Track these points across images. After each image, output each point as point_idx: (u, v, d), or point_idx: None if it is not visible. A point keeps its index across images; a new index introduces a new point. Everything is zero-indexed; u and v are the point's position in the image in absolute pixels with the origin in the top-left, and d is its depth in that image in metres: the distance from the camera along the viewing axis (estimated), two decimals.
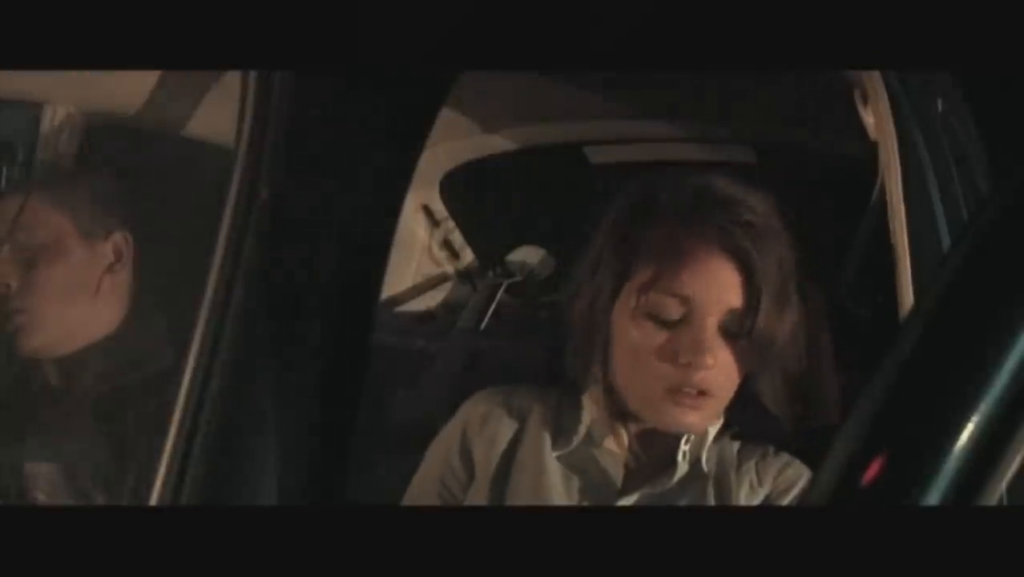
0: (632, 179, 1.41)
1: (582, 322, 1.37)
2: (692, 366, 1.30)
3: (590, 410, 1.40)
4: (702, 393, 1.31)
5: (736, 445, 1.41)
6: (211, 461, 0.90)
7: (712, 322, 1.31)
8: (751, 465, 1.39)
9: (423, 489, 1.45)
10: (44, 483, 1.47)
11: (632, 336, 1.33)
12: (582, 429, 1.40)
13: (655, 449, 1.38)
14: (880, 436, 0.69)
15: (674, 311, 1.31)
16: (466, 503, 1.42)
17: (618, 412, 1.37)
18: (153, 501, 0.90)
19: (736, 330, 1.31)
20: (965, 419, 0.67)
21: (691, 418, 1.33)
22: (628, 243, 1.35)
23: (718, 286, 1.31)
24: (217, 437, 0.91)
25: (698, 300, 1.30)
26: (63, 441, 1.51)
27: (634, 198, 1.38)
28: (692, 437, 1.37)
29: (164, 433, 0.91)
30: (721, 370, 1.32)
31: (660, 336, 1.31)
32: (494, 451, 1.41)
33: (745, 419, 1.39)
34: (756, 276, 1.30)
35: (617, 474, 1.39)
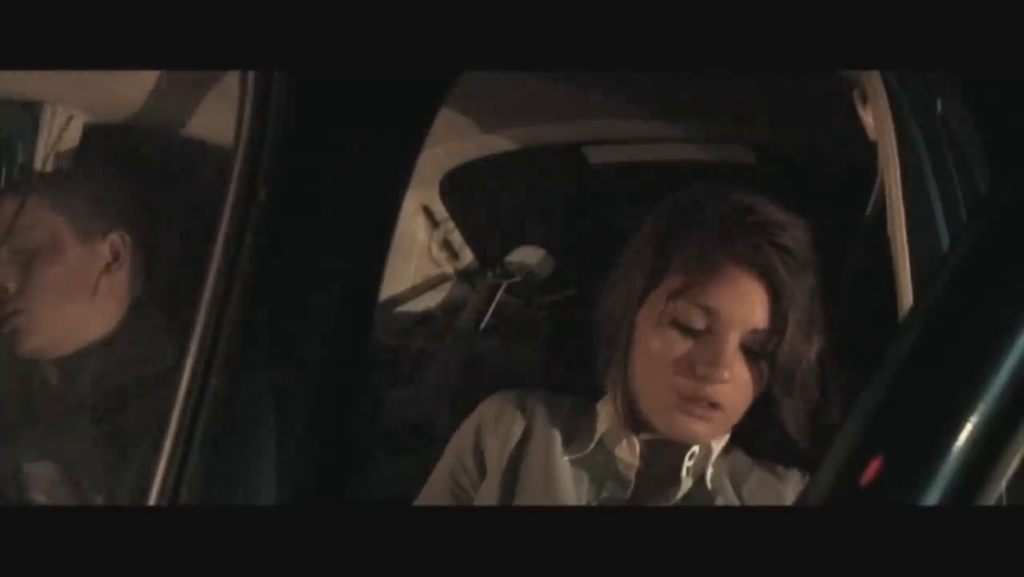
0: (680, 186, 1.42)
1: (609, 321, 1.39)
2: (708, 378, 1.31)
3: (605, 417, 1.41)
4: (713, 406, 1.32)
5: (745, 462, 1.40)
6: (210, 461, 0.90)
7: (734, 337, 1.32)
8: (761, 483, 1.38)
9: (436, 486, 1.46)
10: (43, 483, 1.47)
11: (654, 341, 1.34)
12: (596, 436, 1.40)
13: (664, 461, 1.38)
14: (879, 436, 0.69)
15: (698, 321, 1.32)
16: (477, 500, 1.42)
17: (631, 418, 1.38)
18: (152, 501, 0.90)
19: (757, 349, 1.33)
20: (964, 419, 0.67)
21: (699, 428, 1.33)
22: (664, 249, 1.36)
23: (744, 303, 1.32)
24: (216, 437, 0.91)
25: (723, 313, 1.32)
26: (62, 441, 1.51)
27: (677, 206, 1.39)
28: (696, 453, 1.37)
29: (163, 433, 0.91)
30: (736, 386, 1.33)
31: (681, 344, 1.33)
32: (506, 448, 1.42)
33: (762, 440, 1.39)
34: (785, 300, 1.31)
35: (628, 483, 1.39)
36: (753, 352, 1.33)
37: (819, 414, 1.36)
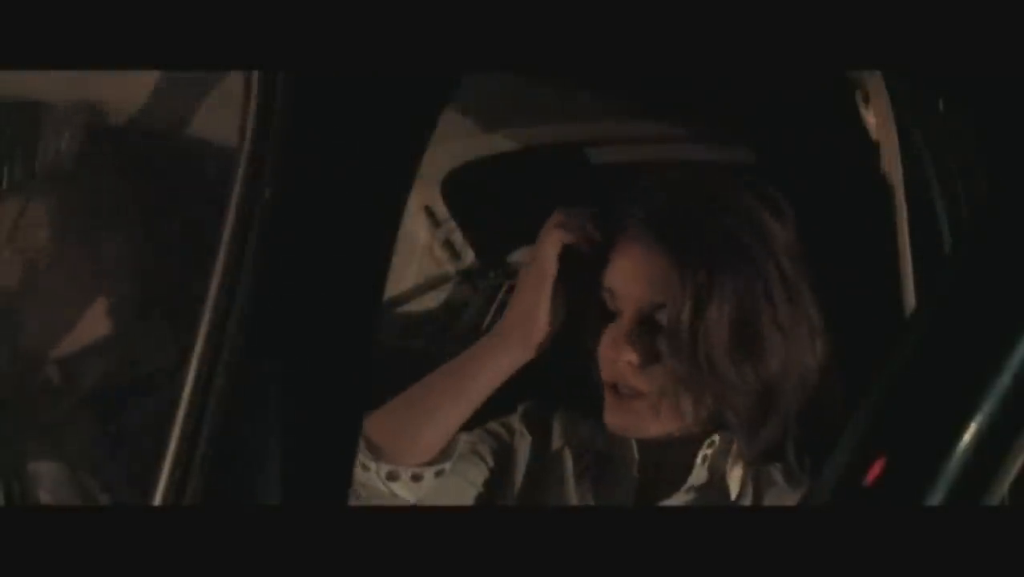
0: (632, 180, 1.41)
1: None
2: (618, 362, 1.27)
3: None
4: (639, 393, 1.28)
5: (779, 478, 1.33)
6: (214, 460, 0.90)
7: (634, 316, 1.27)
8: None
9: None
10: (48, 482, 1.47)
11: (588, 332, 1.33)
12: (599, 440, 1.39)
13: (672, 453, 1.34)
14: (883, 436, 0.70)
15: (609, 304, 1.30)
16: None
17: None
18: (157, 500, 0.90)
19: (659, 325, 1.27)
20: (967, 419, 0.67)
21: (624, 418, 1.30)
22: (603, 240, 1.34)
23: (635, 276, 1.28)
24: (220, 436, 0.91)
25: (621, 293, 1.28)
26: (66, 441, 1.52)
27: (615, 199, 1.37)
28: (716, 442, 1.33)
29: (167, 432, 0.91)
30: (655, 369, 1.27)
31: (601, 331, 1.31)
32: (517, 466, 1.41)
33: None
34: (672, 268, 1.26)
35: (632, 481, 1.36)
36: (657, 328, 1.27)
37: (736, 392, 1.27)
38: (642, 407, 1.30)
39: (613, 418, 1.31)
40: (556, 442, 1.41)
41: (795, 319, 1.28)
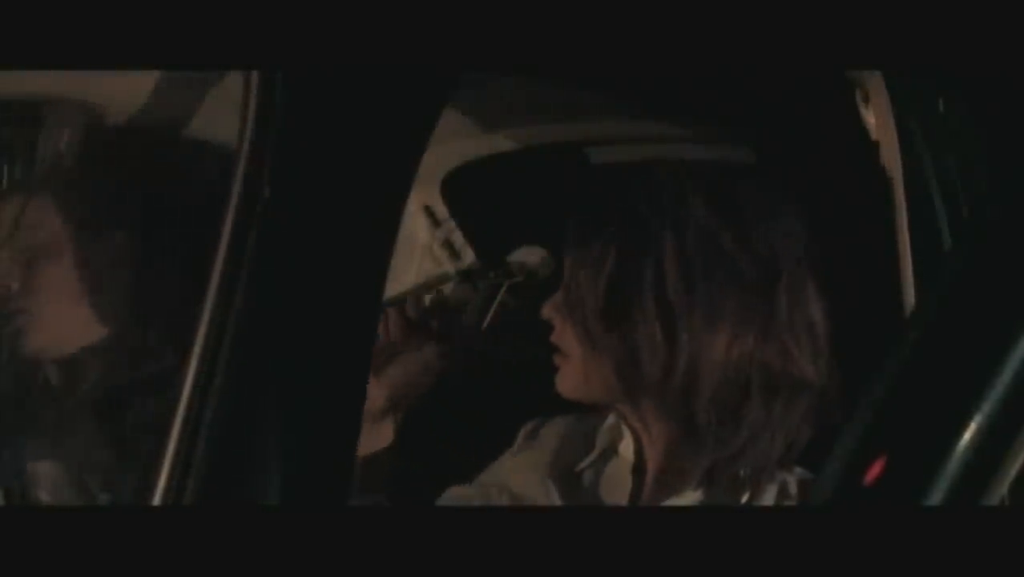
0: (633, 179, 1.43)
1: None
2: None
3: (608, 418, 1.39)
4: (563, 354, 1.33)
5: (796, 484, 1.32)
6: (214, 460, 0.90)
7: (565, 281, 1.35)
8: None
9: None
10: (48, 483, 1.47)
11: None
12: (598, 440, 1.39)
13: (666, 460, 1.35)
14: (882, 436, 0.70)
15: None
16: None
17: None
18: (156, 500, 0.90)
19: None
20: (967, 419, 0.67)
21: (561, 382, 1.34)
22: None
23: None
24: (220, 436, 0.91)
25: None
26: (66, 441, 1.52)
27: None
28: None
29: (167, 432, 0.91)
30: (571, 333, 1.33)
31: None
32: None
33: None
34: (575, 239, 1.37)
35: (624, 481, 1.36)
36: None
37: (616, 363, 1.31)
38: (563, 364, 1.35)
39: (558, 380, 1.34)
40: (549, 451, 1.41)
41: (701, 310, 1.29)
